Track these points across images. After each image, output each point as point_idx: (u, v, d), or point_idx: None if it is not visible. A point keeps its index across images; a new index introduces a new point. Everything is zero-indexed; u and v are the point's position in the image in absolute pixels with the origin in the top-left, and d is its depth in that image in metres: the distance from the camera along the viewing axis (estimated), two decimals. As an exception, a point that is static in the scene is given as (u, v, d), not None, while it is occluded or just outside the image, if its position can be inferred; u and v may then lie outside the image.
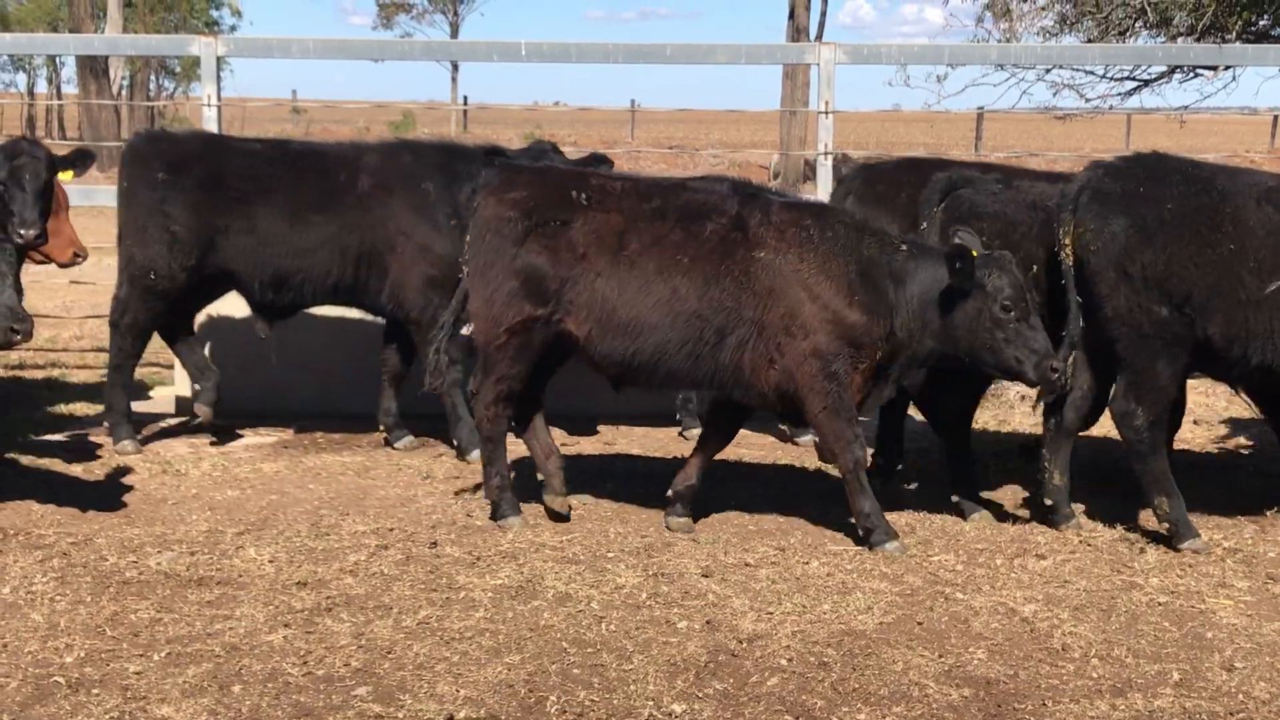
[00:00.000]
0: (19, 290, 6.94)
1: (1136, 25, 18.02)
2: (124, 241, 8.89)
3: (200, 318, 9.41)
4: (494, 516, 7.34)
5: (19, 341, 6.70)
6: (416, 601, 6.12)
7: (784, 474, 8.57)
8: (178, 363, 10.09)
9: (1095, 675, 5.48)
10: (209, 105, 10.96)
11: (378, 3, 69.69)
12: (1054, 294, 7.24)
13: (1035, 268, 7.35)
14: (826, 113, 10.98)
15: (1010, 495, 8.12)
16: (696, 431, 9.52)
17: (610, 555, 6.81)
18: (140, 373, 11.53)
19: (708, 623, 5.91)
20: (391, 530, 7.17)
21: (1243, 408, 9.92)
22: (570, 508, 7.45)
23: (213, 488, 8.05)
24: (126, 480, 8.09)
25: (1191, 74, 18.44)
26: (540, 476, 7.49)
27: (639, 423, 9.63)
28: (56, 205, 9.04)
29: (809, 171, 28.14)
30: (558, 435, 9.30)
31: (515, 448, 8.90)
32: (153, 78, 46.39)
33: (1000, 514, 7.59)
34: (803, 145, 30.03)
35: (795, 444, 9.42)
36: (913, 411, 8.46)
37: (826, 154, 11.04)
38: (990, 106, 20.47)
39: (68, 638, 5.64)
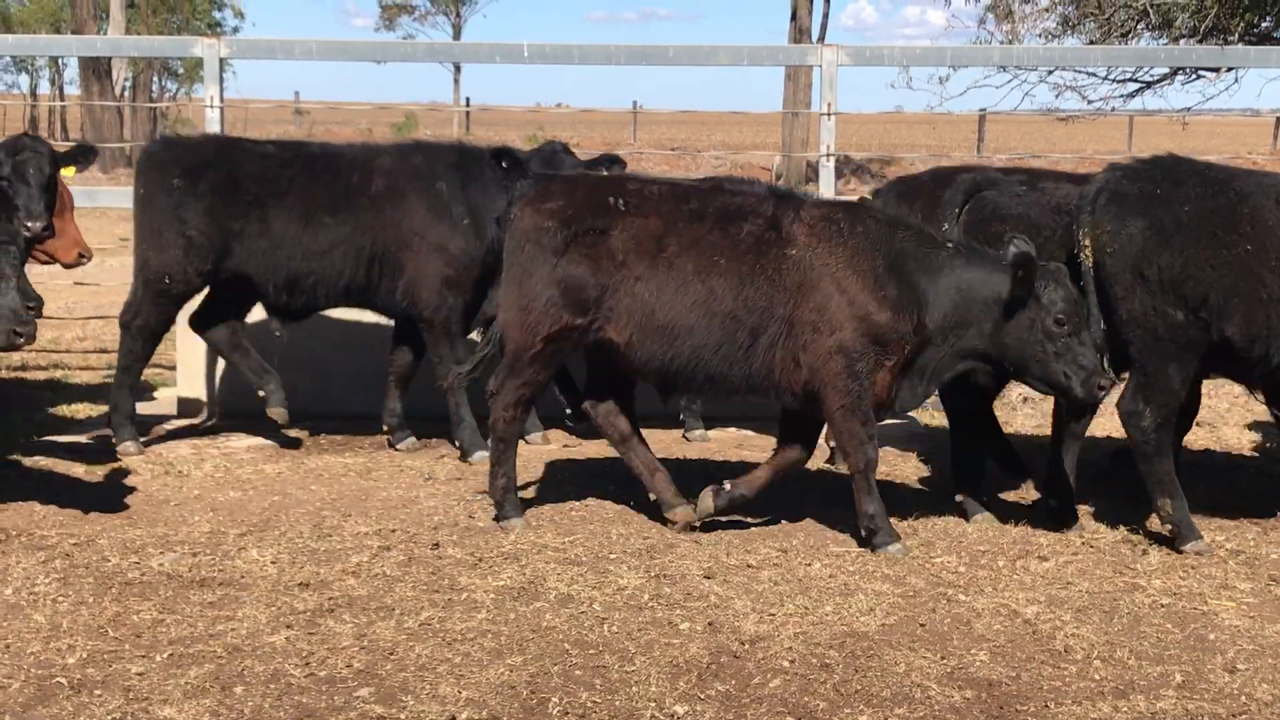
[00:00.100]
0: (36, 296, 6.99)
1: (1139, 27, 18.04)
2: (140, 246, 8.91)
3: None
4: (497, 517, 7.34)
5: (22, 344, 6.70)
6: (419, 603, 6.12)
7: (786, 475, 8.55)
8: (180, 364, 10.12)
9: (1098, 677, 5.47)
10: (211, 107, 10.96)
11: (380, 4, 69.79)
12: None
13: None
14: (829, 114, 10.98)
15: (1012, 497, 8.11)
16: (699, 433, 9.53)
17: (613, 557, 6.81)
18: (143, 373, 11.56)
19: (710, 624, 5.91)
20: (394, 531, 7.17)
21: (1245, 409, 9.93)
22: (694, 520, 7.29)
23: (215, 489, 8.05)
24: (129, 481, 8.10)
25: (1194, 76, 18.46)
26: (652, 496, 7.42)
27: (641, 424, 9.60)
28: (61, 206, 9.06)
29: (811, 173, 28.14)
30: (560, 436, 9.33)
31: (525, 451, 8.93)
32: (155, 79, 46.42)
33: (1003, 515, 7.58)
34: (805, 147, 30.06)
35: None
36: (916, 414, 8.46)
37: (829, 156, 11.05)
38: (992, 108, 20.51)
39: (70, 639, 5.65)
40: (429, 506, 7.70)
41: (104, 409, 10.01)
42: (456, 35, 68.35)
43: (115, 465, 8.46)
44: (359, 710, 5.07)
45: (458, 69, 62.27)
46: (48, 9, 47.04)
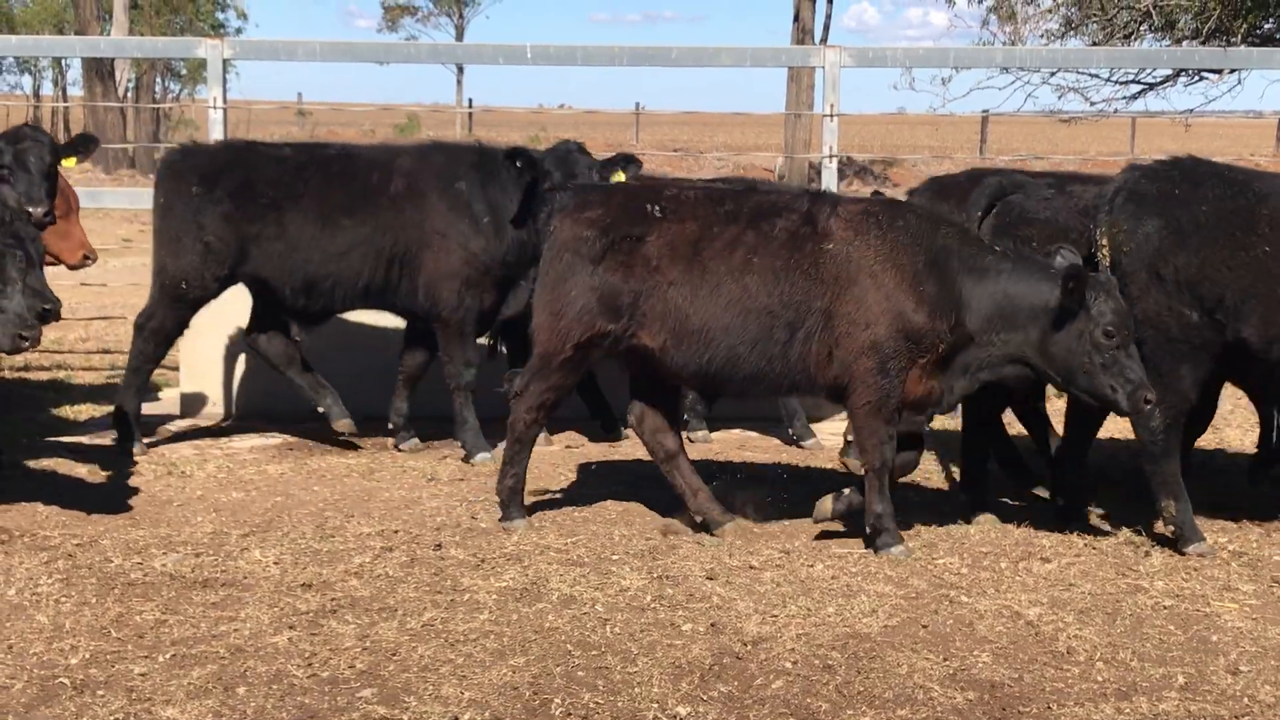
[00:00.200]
0: (54, 298, 7.02)
1: (1141, 28, 18.02)
2: (157, 251, 8.96)
3: (202, 319, 9.40)
4: (502, 518, 7.34)
5: (27, 348, 6.72)
6: (421, 603, 6.12)
7: (788, 476, 8.56)
8: (183, 364, 10.12)
9: (1100, 679, 5.47)
10: (215, 108, 10.98)
11: (383, 5, 69.65)
12: None
13: None
14: (831, 116, 10.99)
15: (1013, 499, 8.11)
16: (702, 434, 9.53)
17: (615, 558, 6.81)
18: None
19: (712, 625, 5.91)
20: (396, 532, 7.17)
21: (1248, 411, 9.91)
22: (735, 527, 7.27)
23: (218, 489, 8.05)
24: (132, 482, 8.10)
25: (1196, 77, 18.44)
26: (698, 518, 7.35)
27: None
28: (68, 208, 9.08)
29: (814, 174, 28.14)
30: (563, 437, 9.33)
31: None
32: (158, 80, 46.39)
33: (1005, 517, 7.58)
34: (807, 148, 30.04)
35: (800, 447, 9.42)
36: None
37: (831, 157, 11.05)
38: (995, 109, 20.49)
39: (73, 639, 5.65)
40: (431, 507, 7.71)
41: (107, 410, 10.02)
42: (459, 36, 68.30)
43: (118, 466, 8.46)
44: (361, 711, 5.07)
45: (460, 70, 62.21)
46: (51, 10, 47.04)
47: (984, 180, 7.87)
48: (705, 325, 6.94)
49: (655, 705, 5.14)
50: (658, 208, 7.09)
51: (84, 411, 10.09)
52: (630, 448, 9.25)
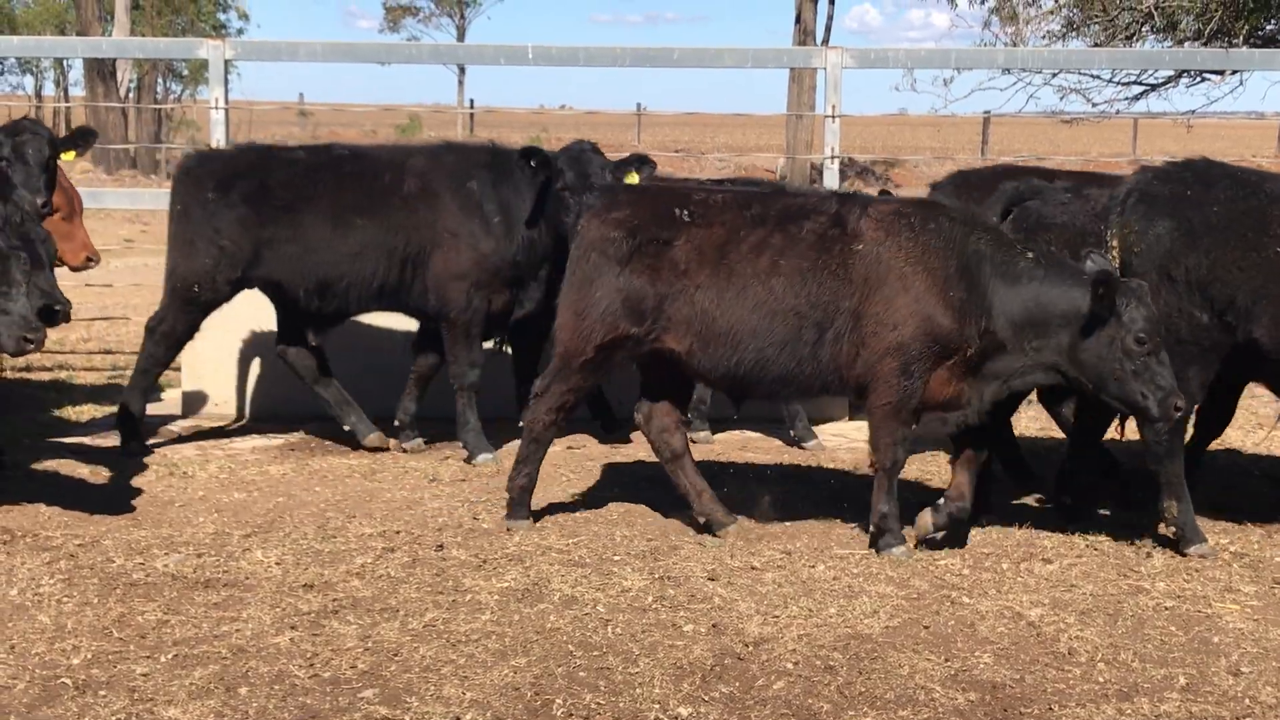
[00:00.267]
0: (64, 299, 7.06)
1: (1143, 30, 18.02)
2: (171, 255, 8.95)
3: (206, 320, 9.41)
4: (508, 515, 7.34)
5: (32, 350, 6.73)
6: (423, 604, 6.12)
7: (790, 477, 8.57)
8: (185, 364, 10.12)
9: (1102, 680, 5.47)
10: (216, 108, 10.99)
11: (384, 6, 69.61)
12: None
13: None
14: (833, 117, 11.00)
15: (1015, 500, 8.11)
16: (704, 434, 9.53)
17: (616, 558, 6.82)
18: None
19: (714, 626, 5.91)
20: (398, 533, 7.18)
21: (1250, 412, 9.92)
22: (738, 529, 7.29)
23: (219, 490, 8.06)
24: (133, 482, 8.11)
25: (1198, 79, 18.45)
26: (701, 519, 7.35)
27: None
28: (71, 210, 9.10)
29: (815, 175, 28.13)
30: (565, 438, 9.32)
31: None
32: (160, 81, 46.42)
33: (1007, 518, 7.58)
34: (809, 149, 30.03)
35: (802, 448, 9.42)
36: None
37: (833, 158, 11.05)
38: (997, 110, 20.49)
39: (75, 639, 5.65)
40: (433, 508, 7.71)
41: (109, 410, 10.04)
42: (460, 37, 68.26)
43: (120, 466, 8.46)
44: (363, 711, 5.07)
45: (462, 70, 62.19)
46: (53, 10, 47.08)
47: (1000, 186, 7.85)
48: (733, 328, 6.91)
49: (657, 706, 5.14)
50: (686, 211, 7.05)
51: (86, 412, 10.10)
52: (632, 449, 9.25)
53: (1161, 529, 7.22)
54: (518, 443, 7.48)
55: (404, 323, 9.61)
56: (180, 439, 9.38)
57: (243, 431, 9.59)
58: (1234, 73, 17.79)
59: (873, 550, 6.97)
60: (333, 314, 8.99)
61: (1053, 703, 5.25)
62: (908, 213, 6.95)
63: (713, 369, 7.06)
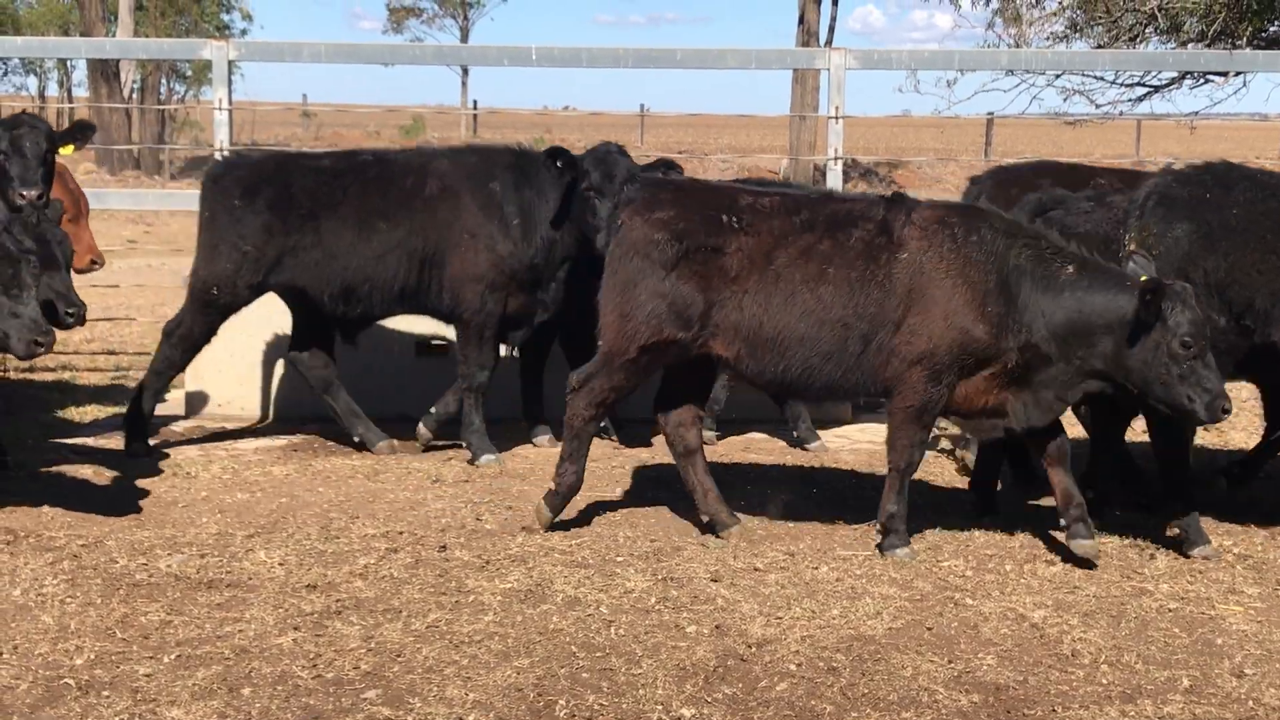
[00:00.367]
0: (79, 301, 7.12)
1: (1147, 31, 18.00)
2: (195, 259, 8.98)
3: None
4: (547, 507, 7.25)
5: (42, 354, 6.76)
6: (426, 605, 6.12)
7: (793, 478, 8.56)
8: (188, 366, 10.12)
9: (1105, 681, 5.47)
10: (220, 109, 11.00)
11: (388, 7, 69.72)
12: None
13: None
14: (836, 118, 10.99)
15: (1019, 501, 8.10)
16: (710, 434, 9.51)
17: (619, 559, 6.82)
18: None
19: (717, 627, 5.91)
20: (401, 534, 7.18)
21: (1253, 414, 9.90)
22: (742, 531, 7.25)
23: (223, 490, 8.06)
24: (137, 483, 8.11)
25: (1202, 80, 18.42)
26: (705, 518, 7.35)
27: (648, 426, 9.61)
28: (76, 211, 9.11)
29: (819, 177, 28.13)
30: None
31: (532, 454, 8.94)
32: (163, 81, 46.44)
33: (1010, 519, 7.58)
34: (812, 150, 30.03)
35: (805, 449, 9.41)
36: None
37: (836, 159, 11.05)
38: (1000, 112, 20.46)
39: (78, 640, 5.66)
40: (436, 509, 7.71)
41: (112, 411, 10.06)
42: (464, 38, 68.31)
43: (123, 467, 8.46)
44: (366, 712, 5.07)
45: (465, 71, 62.20)
46: (56, 11, 47.12)
47: (1025, 197, 7.84)
48: (781, 336, 6.88)
49: (660, 707, 5.14)
50: (735, 218, 6.99)
51: (89, 413, 10.10)
52: (635, 450, 9.24)
53: (1155, 524, 7.22)
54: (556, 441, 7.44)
55: (404, 324, 9.61)
56: (187, 440, 9.37)
57: (246, 432, 9.59)
58: (1237, 74, 17.76)
59: (877, 550, 6.96)
60: (357, 318, 8.99)
61: (1056, 704, 5.25)
62: (952, 222, 6.89)
63: (760, 375, 7.05)
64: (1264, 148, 42.18)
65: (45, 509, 7.47)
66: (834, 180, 11.05)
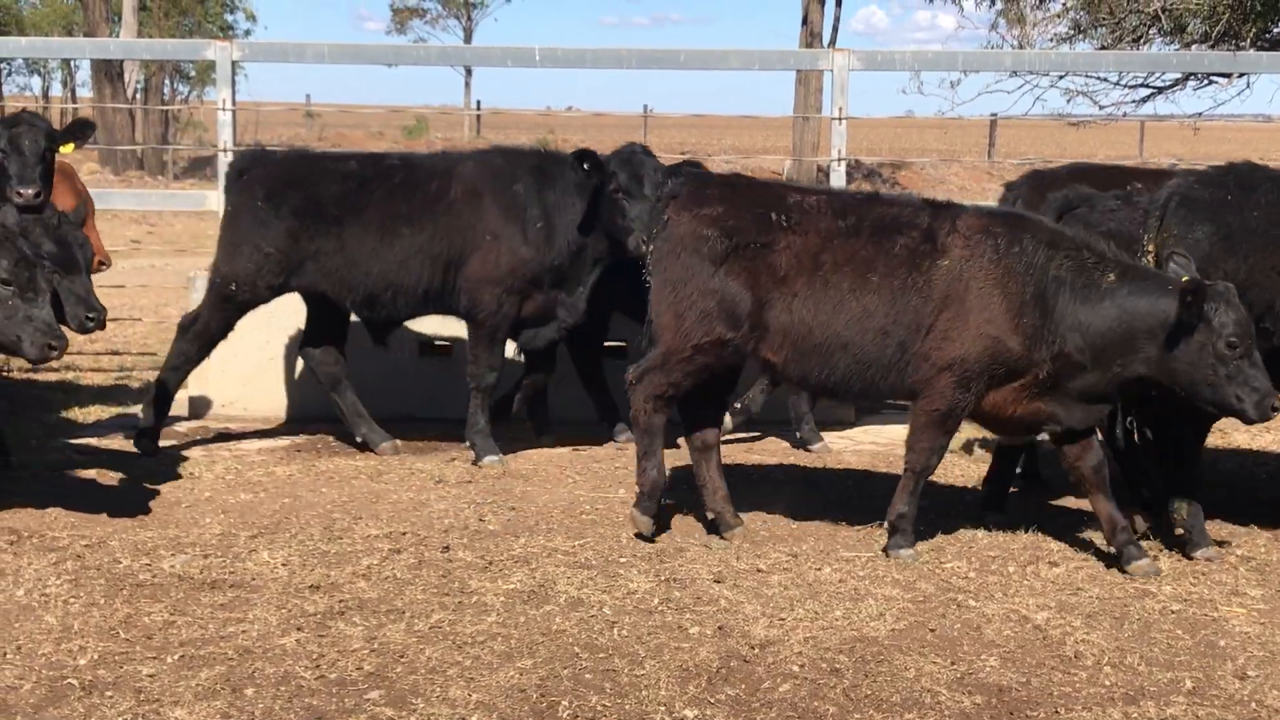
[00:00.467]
0: (99, 305, 7.22)
1: (1150, 32, 17.98)
2: (218, 253, 9.00)
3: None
4: (636, 503, 7.19)
5: (56, 357, 6.78)
6: (429, 605, 6.13)
7: (796, 479, 8.57)
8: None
9: (1108, 683, 5.47)
10: (224, 109, 11.01)
11: (391, 8, 69.73)
12: None
13: None
14: (840, 119, 10.98)
15: (1022, 502, 8.10)
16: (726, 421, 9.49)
17: (622, 560, 6.82)
18: (154, 375, 11.58)
19: (720, 628, 5.91)
20: (404, 534, 7.18)
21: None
22: (745, 532, 7.24)
23: (226, 491, 8.06)
24: (140, 483, 8.11)
25: (1206, 81, 18.40)
26: (710, 515, 7.34)
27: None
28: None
29: (822, 178, 28.12)
30: (570, 440, 9.32)
31: (535, 454, 8.93)
32: (167, 82, 46.46)
33: (1013, 521, 7.57)
34: (815, 151, 30.01)
35: (808, 450, 9.41)
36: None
37: (840, 160, 11.05)
38: (1003, 113, 20.43)
39: (81, 640, 5.66)
40: (439, 510, 7.71)
41: (115, 411, 10.07)
42: (467, 39, 68.34)
43: (126, 467, 8.47)
44: (369, 713, 5.08)
45: (469, 72, 62.16)
46: (60, 11, 47.12)
47: (1049, 195, 7.83)
48: (828, 341, 6.86)
49: (663, 708, 5.15)
50: (783, 216, 6.96)
51: (92, 413, 10.10)
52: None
53: (1164, 529, 7.22)
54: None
55: (408, 324, 9.61)
56: (191, 441, 9.38)
57: (249, 433, 9.60)
58: (1241, 75, 17.74)
59: (881, 549, 6.96)
60: (382, 321, 9.00)
61: (1059, 706, 5.25)
62: (996, 231, 6.83)
63: (803, 379, 7.06)
64: (1268, 149, 42.13)
65: (49, 509, 7.47)
66: (837, 182, 11.04)
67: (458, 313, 8.95)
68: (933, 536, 7.29)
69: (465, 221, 8.71)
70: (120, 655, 5.53)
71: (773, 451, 9.45)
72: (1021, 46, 19.32)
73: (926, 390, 6.84)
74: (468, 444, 8.88)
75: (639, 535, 7.14)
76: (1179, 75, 18.40)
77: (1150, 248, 7.01)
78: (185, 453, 8.96)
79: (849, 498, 8.07)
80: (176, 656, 5.52)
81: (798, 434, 9.51)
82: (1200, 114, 20.00)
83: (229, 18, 48.78)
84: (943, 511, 7.71)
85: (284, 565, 6.63)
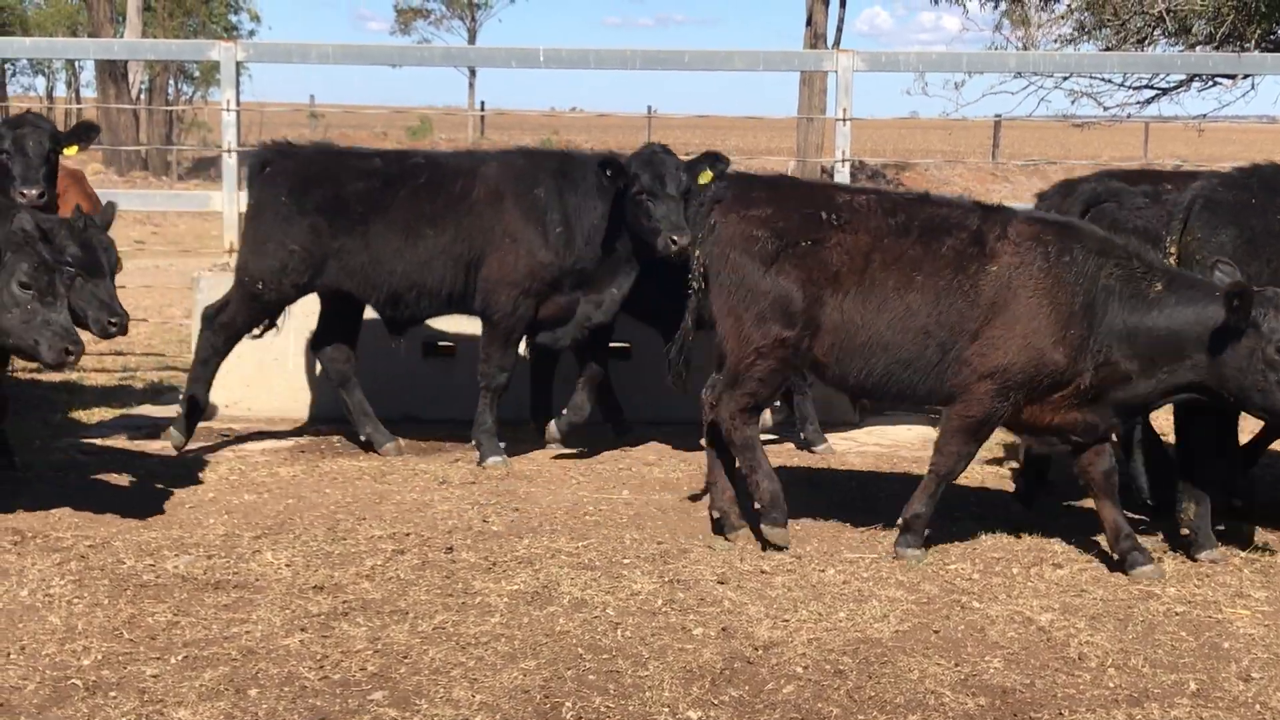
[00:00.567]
0: (121, 311, 7.19)
1: (1155, 33, 17.99)
2: (242, 248, 9.01)
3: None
4: (764, 521, 7.09)
5: (72, 363, 6.78)
6: (432, 606, 6.13)
7: (800, 481, 8.56)
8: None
9: (1112, 685, 5.46)
10: (228, 110, 11.02)
11: (395, 8, 69.70)
12: None
13: None
14: (844, 120, 10.99)
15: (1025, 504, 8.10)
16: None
17: (626, 561, 6.81)
18: (158, 375, 11.61)
19: (723, 630, 5.91)
20: (408, 535, 7.18)
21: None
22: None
23: (230, 491, 8.06)
24: (144, 484, 8.12)
25: (1210, 82, 18.40)
26: (716, 514, 7.35)
27: (654, 428, 9.62)
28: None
29: (826, 178, 28.10)
30: (574, 440, 9.31)
31: (538, 455, 8.94)
32: (171, 82, 46.52)
33: (1016, 522, 7.57)
34: (819, 152, 30.01)
35: (812, 452, 9.40)
36: (927, 421, 8.41)
37: (844, 161, 11.05)
38: (1008, 114, 20.45)
39: (85, 640, 5.66)
40: (443, 510, 7.71)
41: (119, 411, 10.09)
42: (471, 39, 68.28)
43: (130, 467, 8.47)
44: (372, 713, 5.08)
45: (473, 73, 62.13)
46: (64, 12, 47.18)
47: (1078, 188, 7.82)
48: (870, 342, 6.84)
49: (666, 709, 5.14)
50: (833, 215, 6.92)
51: (96, 413, 10.11)
52: (641, 451, 9.24)
53: (1168, 531, 7.22)
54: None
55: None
56: (194, 441, 9.38)
57: (253, 433, 9.60)
58: (1246, 77, 17.75)
59: (891, 545, 6.97)
60: (406, 320, 9.01)
61: (1063, 708, 5.24)
62: (1046, 239, 6.78)
63: (842, 379, 7.04)
64: (1272, 150, 42.04)
65: (53, 509, 7.48)
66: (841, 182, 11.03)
67: (475, 312, 8.94)
68: (937, 538, 7.28)
69: (486, 223, 8.71)
70: (124, 656, 5.53)
71: (777, 453, 9.43)
72: (1026, 48, 19.33)
73: (964, 395, 6.80)
74: (473, 442, 8.87)
75: (776, 547, 7.03)
76: (1183, 77, 18.40)
77: (1173, 250, 7.00)
78: (189, 453, 8.96)
79: (853, 499, 8.07)
80: (180, 657, 5.52)
81: (802, 435, 9.50)
82: (1205, 115, 20.00)
83: (233, 18, 48.90)
84: (946, 513, 7.68)
85: (288, 566, 6.64)
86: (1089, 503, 7.25)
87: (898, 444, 9.72)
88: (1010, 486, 8.35)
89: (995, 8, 21.53)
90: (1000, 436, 8.48)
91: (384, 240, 8.67)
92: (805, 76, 31.39)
